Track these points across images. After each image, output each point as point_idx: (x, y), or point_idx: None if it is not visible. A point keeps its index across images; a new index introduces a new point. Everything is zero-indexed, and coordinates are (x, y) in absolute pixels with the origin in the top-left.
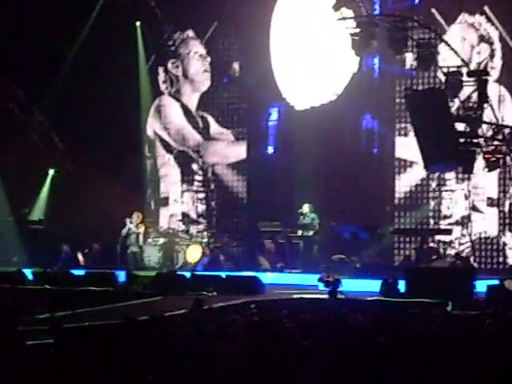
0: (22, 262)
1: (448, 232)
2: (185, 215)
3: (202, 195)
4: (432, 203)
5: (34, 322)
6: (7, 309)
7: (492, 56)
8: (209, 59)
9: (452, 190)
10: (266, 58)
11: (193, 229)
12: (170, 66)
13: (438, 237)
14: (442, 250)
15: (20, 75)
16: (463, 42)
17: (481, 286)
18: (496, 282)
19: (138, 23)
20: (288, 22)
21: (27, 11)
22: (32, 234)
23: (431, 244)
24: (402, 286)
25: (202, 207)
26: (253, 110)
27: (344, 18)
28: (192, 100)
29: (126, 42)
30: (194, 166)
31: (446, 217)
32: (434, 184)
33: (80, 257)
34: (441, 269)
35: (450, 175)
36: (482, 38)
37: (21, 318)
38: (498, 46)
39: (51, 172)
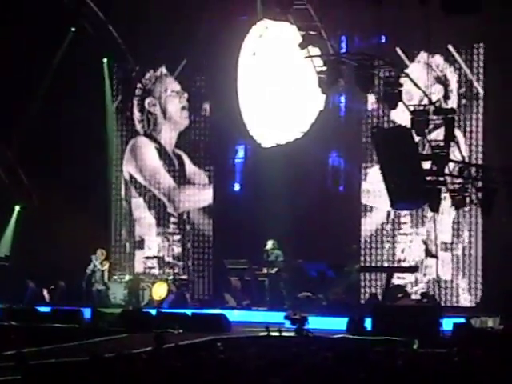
0: None
1: (414, 269)
2: (160, 258)
3: (176, 238)
4: (387, 246)
5: (1, 359)
6: None
7: (446, 97)
8: (186, 95)
9: (406, 234)
10: (233, 96)
11: (169, 271)
12: (146, 105)
13: (403, 275)
14: (407, 289)
15: None
16: (417, 81)
17: (447, 323)
18: (462, 320)
19: (105, 60)
20: (255, 58)
21: None
22: None
23: (397, 282)
24: (368, 323)
25: (177, 250)
26: (220, 148)
27: (311, 56)
28: (170, 139)
29: (94, 79)
30: (167, 210)
31: (400, 260)
32: (388, 227)
33: (46, 293)
34: (407, 306)
35: (405, 219)
36: (438, 79)
37: None
38: (454, 87)
39: (17, 208)
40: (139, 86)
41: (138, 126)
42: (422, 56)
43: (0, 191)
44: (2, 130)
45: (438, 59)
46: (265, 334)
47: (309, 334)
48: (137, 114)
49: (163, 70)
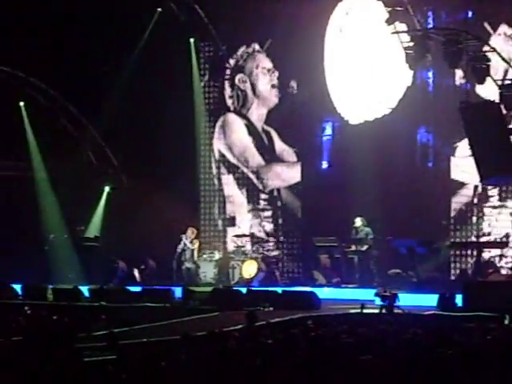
0: (78, 279)
1: (504, 245)
2: (251, 235)
3: (267, 214)
4: (474, 220)
5: (91, 339)
6: (64, 326)
7: None
8: (276, 73)
9: (495, 207)
10: (320, 73)
11: (259, 247)
12: (237, 81)
13: (494, 250)
14: (498, 264)
15: (73, 91)
16: (501, 53)
17: None
18: None
19: (191, 40)
20: (342, 35)
21: (80, 26)
22: (88, 251)
23: (487, 257)
24: (459, 299)
25: (268, 226)
26: (308, 126)
27: (398, 32)
28: (259, 115)
29: (180, 59)
30: (257, 188)
31: (487, 234)
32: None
33: (136, 273)
34: (498, 282)
35: (492, 192)
36: None
37: (78, 334)
38: None
39: (107, 189)
40: (229, 63)
41: (229, 102)
42: (503, 28)
43: (89, 173)
44: (91, 112)
45: None
46: (358, 310)
47: (399, 311)
48: (227, 91)
49: (256, 46)
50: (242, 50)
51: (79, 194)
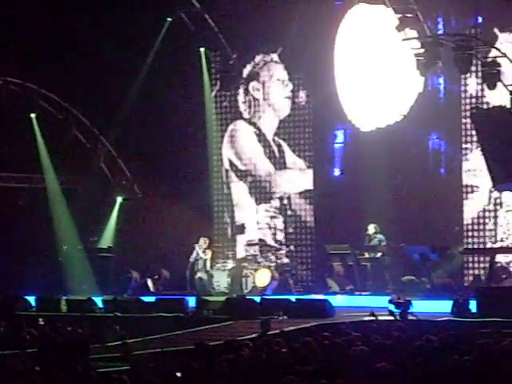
0: (92, 289)
1: None
2: (262, 243)
3: (278, 222)
4: (489, 226)
5: (105, 350)
6: (78, 336)
7: None
8: (291, 86)
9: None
10: (330, 81)
11: (271, 255)
12: (250, 88)
13: (508, 256)
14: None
15: (86, 104)
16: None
17: None
18: None
19: (202, 49)
20: (352, 43)
21: (92, 38)
22: (101, 262)
23: (501, 263)
24: (473, 305)
25: (280, 234)
26: (320, 134)
27: (408, 39)
28: (270, 126)
29: (191, 68)
30: (267, 195)
31: (502, 240)
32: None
33: (150, 283)
34: None
35: (507, 198)
36: None
37: (92, 345)
38: None
39: (119, 200)
40: (242, 70)
41: (242, 108)
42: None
43: (102, 183)
44: (102, 122)
45: None
46: (370, 318)
47: (413, 318)
48: (241, 97)
49: (274, 56)
50: (259, 57)
51: (92, 205)
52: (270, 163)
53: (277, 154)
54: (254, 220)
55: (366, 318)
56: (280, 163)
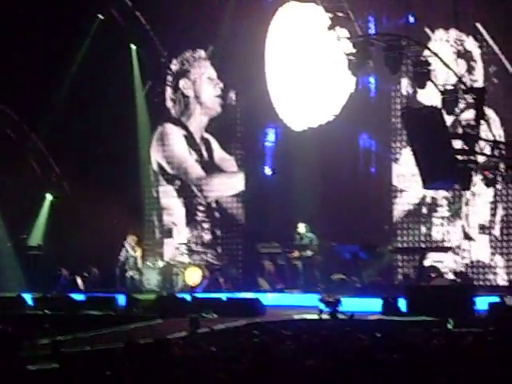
0: (21, 287)
1: (447, 249)
2: (189, 245)
3: (206, 225)
4: (423, 228)
5: (35, 348)
6: (8, 334)
7: (470, 72)
8: (221, 84)
9: (443, 217)
10: (262, 80)
11: (201, 255)
12: (180, 85)
13: (436, 255)
14: (441, 268)
15: (17, 101)
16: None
17: (481, 303)
18: (496, 298)
19: (133, 46)
20: (283, 41)
21: (21, 33)
22: (31, 260)
23: (430, 262)
24: (402, 304)
25: (207, 237)
26: (250, 132)
27: (339, 38)
28: (200, 123)
29: (121, 66)
30: (196, 199)
31: (436, 242)
32: (424, 210)
33: (79, 281)
34: (441, 287)
35: (442, 201)
36: (461, 55)
37: (21, 343)
38: (480, 65)
39: (49, 197)
40: (173, 67)
41: (170, 106)
42: (445, 33)
43: (31, 181)
44: (31, 120)
45: (464, 37)
46: (303, 316)
47: (343, 317)
48: (169, 94)
49: (202, 53)
50: (188, 54)
51: (22, 203)
52: (200, 167)
53: (204, 152)
54: (183, 223)
55: (296, 317)
56: (209, 164)
